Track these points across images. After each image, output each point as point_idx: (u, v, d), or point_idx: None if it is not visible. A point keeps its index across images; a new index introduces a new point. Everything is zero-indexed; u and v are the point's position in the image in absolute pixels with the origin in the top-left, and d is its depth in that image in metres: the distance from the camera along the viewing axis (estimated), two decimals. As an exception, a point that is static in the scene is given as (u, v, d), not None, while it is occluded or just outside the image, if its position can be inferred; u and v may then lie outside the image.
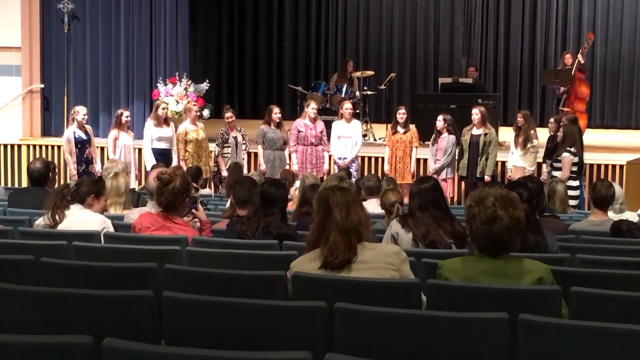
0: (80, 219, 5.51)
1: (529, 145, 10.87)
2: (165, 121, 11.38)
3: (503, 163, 11.75)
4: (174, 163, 10.83)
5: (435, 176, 10.76)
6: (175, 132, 11.40)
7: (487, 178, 10.77)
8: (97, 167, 11.27)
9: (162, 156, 11.01)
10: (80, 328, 3.06)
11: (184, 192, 5.28)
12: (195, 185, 6.76)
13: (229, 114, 11.34)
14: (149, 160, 11.01)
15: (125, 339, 2.74)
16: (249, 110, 17.82)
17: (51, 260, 4.23)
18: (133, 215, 5.97)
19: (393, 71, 16.38)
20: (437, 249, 4.99)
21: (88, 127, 11.44)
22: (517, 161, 10.97)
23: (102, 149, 12.28)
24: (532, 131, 10.98)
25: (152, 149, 11.17)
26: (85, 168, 11.11)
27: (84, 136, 11.19)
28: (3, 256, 4.44)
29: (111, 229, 5.58)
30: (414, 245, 5.07)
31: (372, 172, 11.97)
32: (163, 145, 11.25)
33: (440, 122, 11.11)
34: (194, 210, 5.71)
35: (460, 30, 18.05)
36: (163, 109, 11.36)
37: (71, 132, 11.14)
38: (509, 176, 11.02)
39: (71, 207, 5.58)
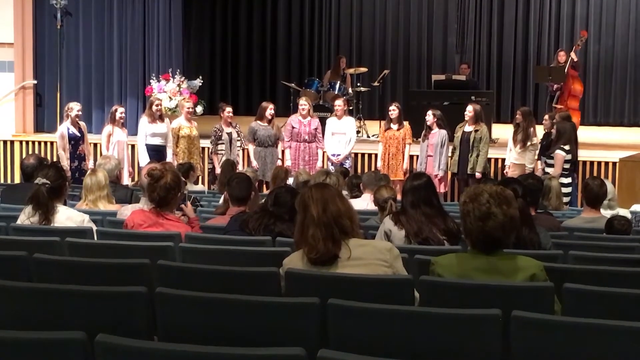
0: (66, 215, 5.48)
1: (528, 143, 10.82)
2: (160, 117, 11.36)
3: (497, 160, 11.78)
4: (169, 159, 10.83)
5: (441, 173, 10.89)
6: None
7: (477, 175, 10.77)
8: (90, 164, 11.26)
9: (156, 152, 10.99)
10: (73, 324, 3.06)
11: (176, 187, 5.28)
12: (185, 180, 6.75)
13: (229, 109, 11.35)
14: (143, 157, 11.00)
15: (118, 335, 2.73)
16: (242, 106, 17.79)
17: (44, 257, 4.22)
18: (126, 211, 5.96)
19: (386, 68, 16.40)
20: (430, 246, 5.00)
21: (82, 123, 11.44)
22: (516, 158, 10.96)
23: (96, 145, 12.26)
24: (531, 129, 10.91)
25: (146, 145, 11.15)
26: (78, 164, 11.11)
27: (77, 133, 11.18)
28: (-4, 252, 4.43)
29: (91, 224, 5.54)
30: (407, 242, 5.07)
31: (366, 168, 12.00)
32: (157, 141, 11.22)
33: (430, 117, 11.13)
34: (182, 206, 5.70)
35: (454, 27, 18.06)
36: (157, 105, 11.34)
37: (65, 128, 11.13)
38: (506, 172, 11.02)
39: (57, 207, 5.51)
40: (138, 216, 5.36)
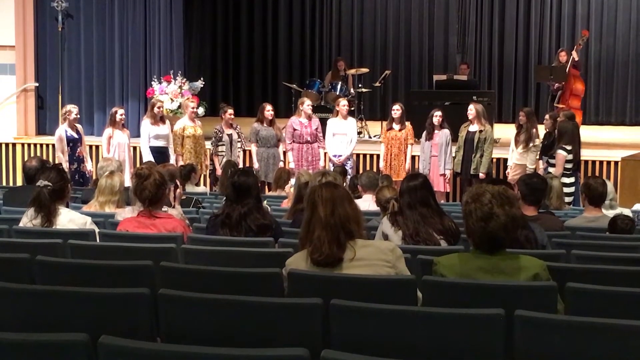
0: (69, 218, 5.48)
1: (530, 144, 10.79)
2: (162, 119, 11.38)
3: (499, 160, 11.77)
4: (172, 160, 10.85)
5: (448, 172, 10.90)
6: (172, 129, 11.39)
7: (481, 175, 10.77)
8: (89, 165, 11.27)
9: (159, 154, 11.01)
10: (76, 326, 3.06)
11: (165, 183, 5.34)
12: (178, 182, 6.69)
13: (230, 111, 11.34)
14: (147, 159, 10.98)
15: (121, 337, 2.73)
16: (243, 107, 17.80)
17: (47, 259, 4.22)
18: (125, 214, 5.93)
19: (388, 68, 16.39)
20: (432, 246, 4.99)
21: (79, 126, 11.42)
22: (518, 159, 10.94)
23: (97, 147, 12.25)
24: (534, 130, 10.88)
25: (150, 147, 11.18)
26: (77, 167, 11.09)
27: (75, 135, 11.15)
28: (-2, 255, 4.43)
29: (93, 226, 5.54)
30: (404, 244, 5.05)
31: (368, 169, 11.97)
32: (160, 143, 11.26)
33: (437, 117, 11.12)
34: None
35: (455, 27, 18.06)
36: (158, 107, 11.36)
37: (62, 130, 11.10)
38: (507, 173, 11.01)
39: (60, 210, 5.50)
40: (130, 224, 5.32)
